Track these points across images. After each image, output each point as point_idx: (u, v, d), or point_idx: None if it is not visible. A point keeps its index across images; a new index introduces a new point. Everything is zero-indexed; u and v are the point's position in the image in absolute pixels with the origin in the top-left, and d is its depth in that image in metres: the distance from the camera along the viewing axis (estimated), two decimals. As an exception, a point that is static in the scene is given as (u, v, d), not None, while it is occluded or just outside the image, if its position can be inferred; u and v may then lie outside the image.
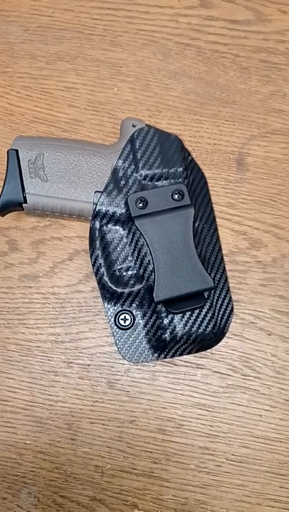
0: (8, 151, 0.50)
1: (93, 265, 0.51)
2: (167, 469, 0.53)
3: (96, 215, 0.51)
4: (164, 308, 0.50)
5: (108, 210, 0.51)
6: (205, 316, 0.50)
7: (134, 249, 0.51)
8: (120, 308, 0.51)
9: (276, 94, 0.58)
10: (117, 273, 0.51)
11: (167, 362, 0.54)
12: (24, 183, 0.50)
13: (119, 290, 0.50)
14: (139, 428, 0.53)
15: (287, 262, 0.55)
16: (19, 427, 0.53)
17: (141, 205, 0.50)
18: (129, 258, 0.51)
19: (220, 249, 0.54)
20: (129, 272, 0.51)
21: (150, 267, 0.49)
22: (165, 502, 0.53)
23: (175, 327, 0.50)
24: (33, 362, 0.54)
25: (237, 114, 0.57)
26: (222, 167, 0.56)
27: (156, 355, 0.51)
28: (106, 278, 0.51)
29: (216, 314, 0.52)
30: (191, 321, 0.50)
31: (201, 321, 0.50)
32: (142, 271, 0.50)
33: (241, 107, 0.58)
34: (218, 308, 0.52)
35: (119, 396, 0.53)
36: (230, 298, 0.53)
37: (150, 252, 0.49)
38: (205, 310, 0.51)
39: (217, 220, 0.55)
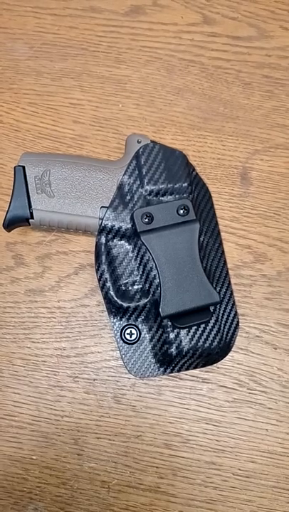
0: (15, 168, 0.51)
1: (99, 280, 0.51)
2: (174, 484, 0.53)
3: (102, 230, 0.51)
4: (169, 323, 0.50)
5: (114, 225, 0.51)
6: (211, 330, 0.51)
7: (139, 264, 0.51)
8: (126, 323, 0.52)
9: (279, 109, 0.58)
10: (123, 287, 0.51)
11: (173, 376, 0.54)
12: (31, 199, 0.51)
13: (125, 304, 0.51)
14: (146, 443, 0.53)
15: (291, 275, 0.55)
16: (25, 442, 0.53)
17: (146, 220, 0.50)
18: (135, 273, 0.51)
19: (225, 263, 0.54)
20: (135, 287, 0.51)
21: (156, 282, 0.50)
22: (172, 518, 0.53)
23: (181, 341, 0.50)
24: (39, 376, 0.54)
25: (240, 129, 0.58)
26: (226, 181, 0.57)
27: (162, 369, 0.51)
28: (112, 292, 0.51)
29: (222, 328, 0.52)
30: (197, 336, 0.50)
31: (207, 336, 0.50)
32: (147, 285, 0.51)
33: (244, 122, 0.58)
34: (223, 322, 0.52)
35: (125, 411, 0.53)
36: (236, 312, 0.53)
37: (156, 267, 0.49)
38: (211, 324, 0.51)
39: (222, 234, 0.55)
